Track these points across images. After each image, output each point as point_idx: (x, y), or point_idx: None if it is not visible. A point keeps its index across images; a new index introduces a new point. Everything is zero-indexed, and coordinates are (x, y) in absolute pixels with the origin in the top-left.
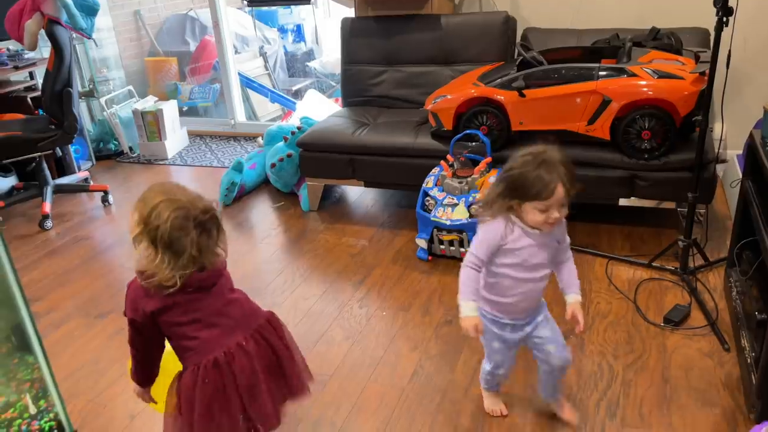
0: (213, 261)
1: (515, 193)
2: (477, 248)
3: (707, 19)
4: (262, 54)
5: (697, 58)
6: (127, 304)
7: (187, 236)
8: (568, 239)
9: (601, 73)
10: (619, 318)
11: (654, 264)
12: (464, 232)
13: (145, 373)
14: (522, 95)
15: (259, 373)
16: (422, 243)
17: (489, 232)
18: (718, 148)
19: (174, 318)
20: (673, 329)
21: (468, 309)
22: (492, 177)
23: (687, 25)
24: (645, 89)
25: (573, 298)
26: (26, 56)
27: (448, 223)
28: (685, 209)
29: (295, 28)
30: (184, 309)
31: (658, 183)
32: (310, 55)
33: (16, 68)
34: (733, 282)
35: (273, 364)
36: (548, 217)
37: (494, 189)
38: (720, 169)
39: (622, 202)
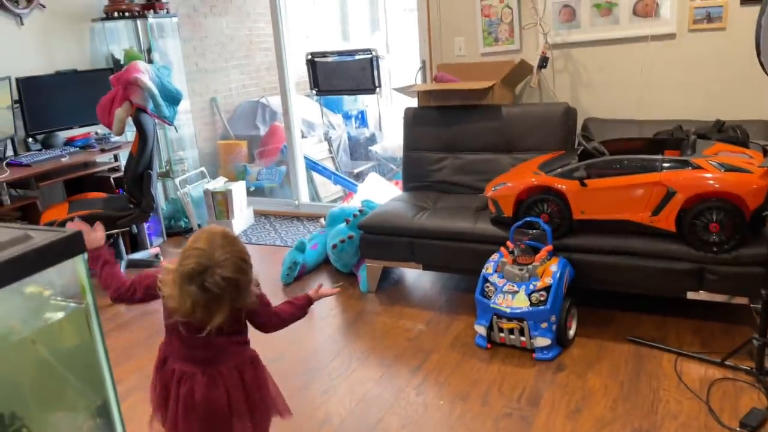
0: (207, 321)
1: None
2: None
3: None
4: (327, 139)
5: (765, 152)
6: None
7: (188, 288)
8: None
9: (665, 164)
10: (690, 420)
11: (727, 363)
12: (525, 320)
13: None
14: (583, 185)
15: (199, 404)
16: (481, 330)
17: None
18: None
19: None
20: None
21: None
22: (553, 265)
23: (753, 118)
24: (711, 182)
25: None
26: (112, 140)
27: (508, 311)
28: (758, 305)
29: (358, 115)
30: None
31: (729, 277)
32: (372, 139)
33: (103, 150)
34: None
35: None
36: None
37: None
38: None
39: (691, 295)
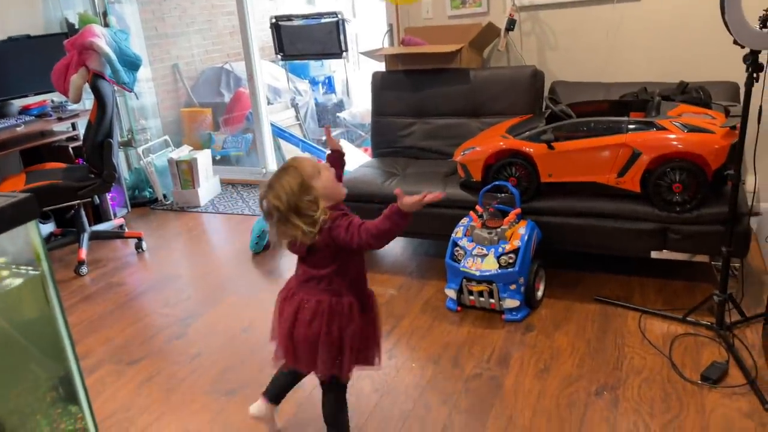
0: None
1: None
2: None
3: (737, 73)
4: (294, 105)
5: (727, 112)
6: None
7: None
8: None
9: (630, 126)
10: (654, 374)
11: (689, 319)
12: (494, 283)
13: None
14: (551, 148)
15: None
16: (451, 293)
17: None
18: (752, 202)
19: None
20: (711, 387)
21: None
22: (521, 228)
23: (716, 79)
24: (675, 143)
25: None
26: (69, 108)
27: (477, 273)
28: (719, 263)
29: (326, 80)
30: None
31: (691, 236)
32: (340, 105)
33: (60, 119)
34: None
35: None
36: None
37: None
38: (754, 222)
39: (654, 254)
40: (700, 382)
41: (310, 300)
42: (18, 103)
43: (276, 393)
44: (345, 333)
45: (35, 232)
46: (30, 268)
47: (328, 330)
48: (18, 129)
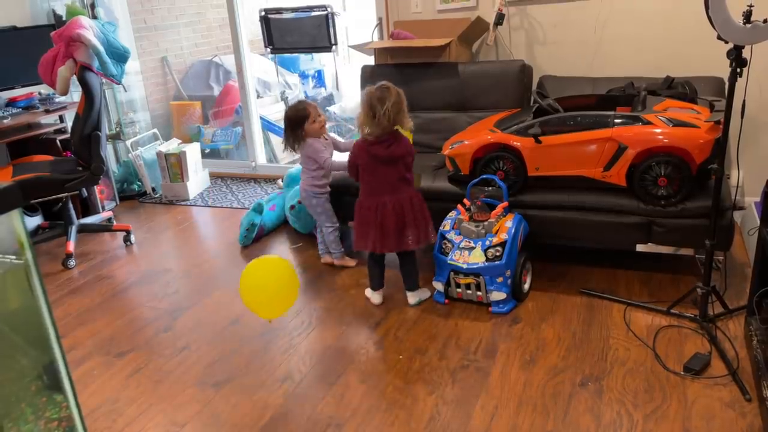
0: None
1: None
2: None
3: (722, 68)
4: (284, 98)
5: (711, 107)
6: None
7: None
8: None
9: (617, 120)
10: (638, 365)
11: (673, 311)
12: (481, 275)
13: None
14: (538, 141)
15: (388, 220)
16: (439, 286)
17: None
18: (735, 195)
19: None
20: (694, 378)
21: None
22: (509, 221)
23: (701, 74)
24: (660, 137)
25: None
26: (57, 100)
27: (464, 266)
28: (703, 256)
29: (315, 74)
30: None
31: (676, 229)
32: (330, 99)
33: (47, 111)
34: (754, 330)
35: (401, 221)
36: None
37: None
38: (738, 216)
39: (639, 248)
40: (683, 373)
41: (404, 196)
42: (5, 95)
43: (379, 281)
44: (424, 212)
45: (19, 221)
46: (14, 257)
47: (421, 212)
48: (4, 121)
